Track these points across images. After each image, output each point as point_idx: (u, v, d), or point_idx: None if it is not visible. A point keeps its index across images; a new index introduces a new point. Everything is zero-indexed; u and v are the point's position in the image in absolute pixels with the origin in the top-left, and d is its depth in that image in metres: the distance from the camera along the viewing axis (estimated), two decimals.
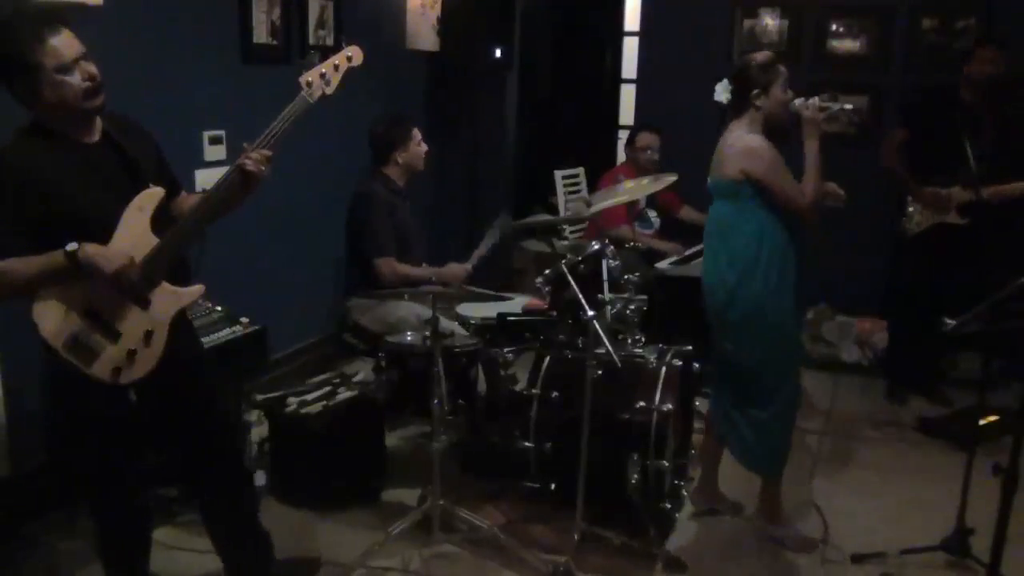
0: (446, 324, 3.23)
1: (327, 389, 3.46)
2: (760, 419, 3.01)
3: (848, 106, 3.06)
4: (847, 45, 5.09)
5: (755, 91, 2.87)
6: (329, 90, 2.20)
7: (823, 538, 3.11)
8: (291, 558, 2.77)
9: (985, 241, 4.22)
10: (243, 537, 2.57)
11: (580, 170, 5.80)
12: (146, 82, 3.38)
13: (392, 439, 3.69)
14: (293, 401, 3.35)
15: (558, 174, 5.62)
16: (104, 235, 2.07)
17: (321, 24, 4.41)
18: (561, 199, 5.53)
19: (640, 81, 5.77)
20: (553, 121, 7.21)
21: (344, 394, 3.42)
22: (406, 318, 3.50)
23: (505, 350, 3.44)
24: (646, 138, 4.79)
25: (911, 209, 4.21)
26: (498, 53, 5.38)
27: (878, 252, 4.69)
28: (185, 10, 3.61)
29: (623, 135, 6.25)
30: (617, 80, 6.47)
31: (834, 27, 5.11)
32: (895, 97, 4.92)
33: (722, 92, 2.94)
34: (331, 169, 4.28)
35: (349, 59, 2.22)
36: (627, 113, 6.12)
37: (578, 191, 5.66)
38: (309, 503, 3.24)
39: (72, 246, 1.99)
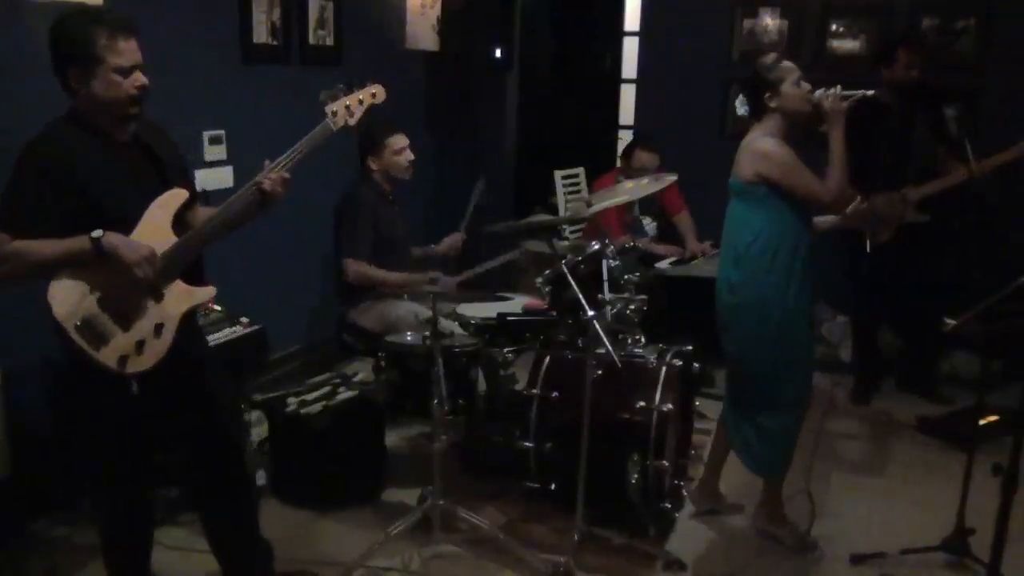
0: (446, 324, 3.23)
1: (327, 389, 3.46)
2: (765, 423, 3.00)
3: (870, 92, 2.98)
4: (847, 45, 5.08)
5: (767, 94, 2.87)
6: (352, 122, 2.35)
7: (823, 538, 3.10)
8: (287, 572, 2.74)
9: (944, 235, 4.22)
10: (242, 544, 2.57)
11: (580, 170, 5.80)
12: None
13: (392, 439, 3.69)
14: (293, 401, 3.35)
15: (558, 174, 5.63)
16: (126, 227, 2.13)
17: (321, 24, 4.41)
18: (561, 199, 5.54)
19: (640, 81, 5.77)
20: (553, 121, 7.20)
21: (344, 394, 3.42)
22: (404, 317, 3.50)
23: (505, 350, 3.44)
24: (643, 158, 4.47)
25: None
26: (498, 53, 5.39)
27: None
28: (185, 10, 3.61)
29: (623, 135, 6.25)
30: (617, 80, 6.47)
31: (834, 27, 5.10)
32: None
33: (741, 106, 2.95)
34: (331, 169, 4.28)
35: (373, 95, 2.41)
36: (627, 113, 6.12)
37: (578, 191, 5.67)
38: (309, 503, 3.24)
39: (97, 233, 2.05)
